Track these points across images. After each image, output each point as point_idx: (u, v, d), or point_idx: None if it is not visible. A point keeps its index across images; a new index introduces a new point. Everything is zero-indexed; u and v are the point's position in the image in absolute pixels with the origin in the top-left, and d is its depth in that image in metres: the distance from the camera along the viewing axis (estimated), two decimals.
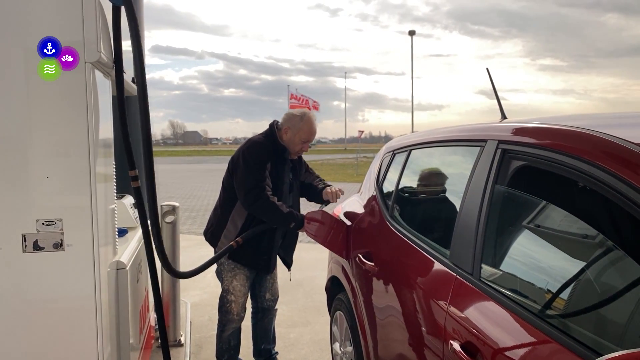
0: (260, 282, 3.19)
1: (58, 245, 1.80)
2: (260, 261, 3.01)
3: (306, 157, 3.37)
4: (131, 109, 2.15)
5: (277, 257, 3.21)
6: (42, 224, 1.78)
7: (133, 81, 2.51)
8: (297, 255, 3.25)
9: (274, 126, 3.03)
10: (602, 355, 1.04)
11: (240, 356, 3.24)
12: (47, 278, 1.81)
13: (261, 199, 2.84)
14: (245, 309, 3.10)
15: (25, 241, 1.77)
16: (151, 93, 2.19)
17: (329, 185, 3.25)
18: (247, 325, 3.25)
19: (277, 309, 3.33)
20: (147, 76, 2.15)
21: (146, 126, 2.10)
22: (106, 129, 2.08)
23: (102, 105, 1.96)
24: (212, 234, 3.10)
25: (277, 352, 3.39)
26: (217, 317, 3.15)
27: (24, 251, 1.77)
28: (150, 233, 2.21)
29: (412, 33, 38.96)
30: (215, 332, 3.20)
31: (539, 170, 1.55)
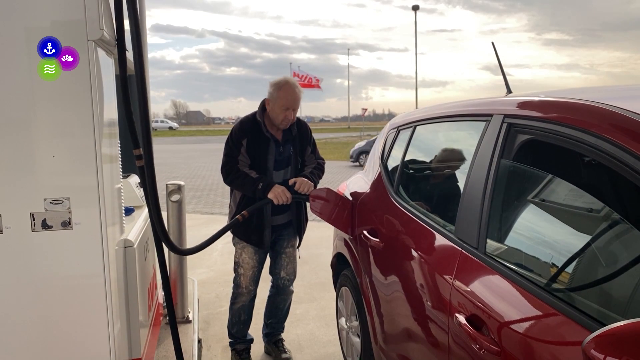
0: (275, 259, 3.21)
1: (66, 224, 1.81)
2: (252, 236, 3.02)
3: None
4: (134, 88, 2.14)
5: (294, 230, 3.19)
6: (50, 202, 1.79)
7: None
8: None
9: (263, 101, 3.02)
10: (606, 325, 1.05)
11: (249, 331, 3.28)
12: (56, 256, 1.83)
13: (231, 172, 2.91)
14: (255, 283, 3.11)
15: (33, 220, 1.79)
16: (153, 73, 2.19)
17: (308, 174, 3.05)
18: (261, 303, 3.29)
19: (293, 290, 3.30)
20: (148, 55, 2.14)
21: (145, 106, 2.10)
22: (110, 108, 2.08)
23: (106, 84, 1.95)
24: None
25: (282, 329, 3.42)
26: (224, 294, 3.19)
27: (32, 230, 1.79)
28: (151, 212, 2.22)
29: (415, 8, 38.40)
30: (222, 309, 3.24)
31: (545, 144, 1.55)
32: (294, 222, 3.14)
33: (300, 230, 3.19)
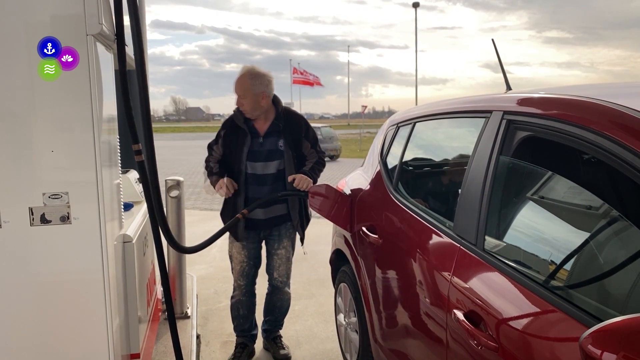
0: (268, 260, 3.21)
1: (65, 219, 1.81)
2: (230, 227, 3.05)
3: None
4: (133, 83, 2.14)
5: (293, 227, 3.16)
6: (49, 197, 1.79)
7: None
8: None
9: None
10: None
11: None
12: (55, 251, 1.83)
13: (205, 166, 3.09)
14: (245, 278, 3.11)
15: (32, 214, 1.79)
16: (152, 69, 2.18)
17: (306, 171, 3.03)
18: (261, 299, 3.30)
19: (289, 292, 3.28)
20: (148, 52, 2.14)
21: (145, 101, 2.10)
22: (109, 104, 2.08)
23: (105, 79, 1.95)
24: None
25: (281, 326, 3.42)
26: (222, 290, 3.20)
27: (31, 224, 1.79)
28: (154, 209, 2.22)
29: (416, 5, 38.30)
30: (221, 305, 3.25)
31: (545, 141, 1.54)
32: (294, 218, 3.12)
33: (301, 228, 3.17)
